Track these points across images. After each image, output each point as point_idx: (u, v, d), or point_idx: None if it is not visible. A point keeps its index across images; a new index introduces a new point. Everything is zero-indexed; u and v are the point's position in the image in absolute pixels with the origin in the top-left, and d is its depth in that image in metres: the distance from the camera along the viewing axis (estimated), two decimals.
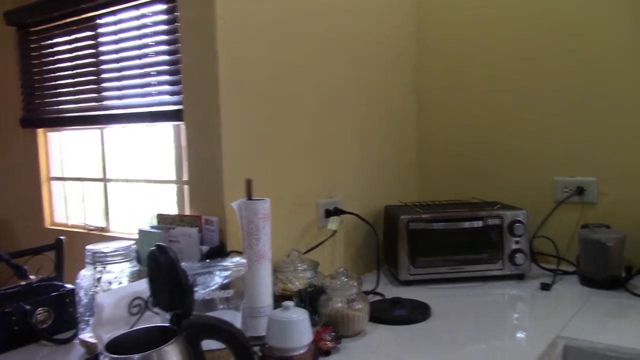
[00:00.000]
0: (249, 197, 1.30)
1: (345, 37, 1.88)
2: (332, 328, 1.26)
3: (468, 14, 2.18)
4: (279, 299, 1.30)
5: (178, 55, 2.52)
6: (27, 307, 1.27)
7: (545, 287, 1.70)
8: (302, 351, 1.13)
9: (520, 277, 1.80)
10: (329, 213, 1.79)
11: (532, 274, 1.83)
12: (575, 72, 1.97)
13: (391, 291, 1.70)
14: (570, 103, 1.99)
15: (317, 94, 1.76)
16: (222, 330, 0.89)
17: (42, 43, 3.17)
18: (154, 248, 0.90)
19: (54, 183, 3.29)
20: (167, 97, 2.62)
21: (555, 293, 1.66)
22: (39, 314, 1.29)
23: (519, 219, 1.78)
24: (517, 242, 1.78)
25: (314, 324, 1.24)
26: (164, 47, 2.62)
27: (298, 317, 1.14)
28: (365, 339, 1.32)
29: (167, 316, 0.90)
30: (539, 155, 2.06)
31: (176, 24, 2.48)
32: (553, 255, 1.96)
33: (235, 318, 1.17)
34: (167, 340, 0.84)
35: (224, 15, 1.42)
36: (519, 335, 1.34)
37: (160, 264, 0.88)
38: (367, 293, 1.62)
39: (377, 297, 1.64)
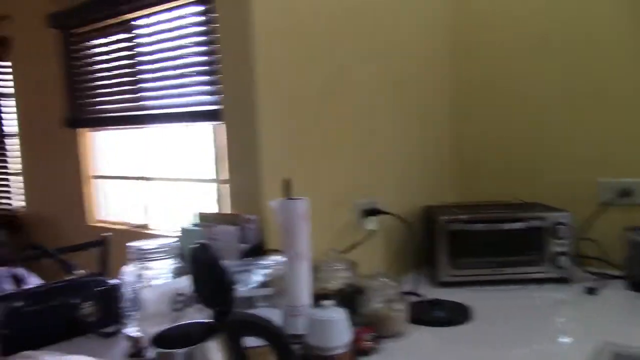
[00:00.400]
0: (288, 196, 1.31)
1: (381, 34, 1.87)
2: (371, 328, 1.25)
3: (510, 1, 2.13)
4: (318, 298, 1.30)
5: (215, 55, 2.55)
6: (74, 301, 1.30)
7: (591, 291, 1.65)
8: (341, 350, 1.13)
9: (563, 280, 1.76)
10: (366, 213, 1.78)
11: (576, 277, 1.78)
12: (623, 71, 1.91)
13: (430, 292, 1.68)
14: (616, 102, 1.93)
15: (354, 93, 1.76)
16: (263, 328, 0.90)
17: (83, 45, 3.24)
18: (196, 246, 0.92)
19: (96, 181, 3.37)
20: (205, 97, 2.65)
21: (601, 297, 1.61)
22: (86, 308, 1.32)
23: (562, 221, 1.74)
24: (560, 245, 1.74)
25: (352, 324, 1.23)
26: (202, 48, 2.65)
27: (338, 317, 1.14)
28: (405, 340, 1.31)
29: (209, 313, 0.91)
30: (582, 156, 2.01)
31: (213, 24, 2.51)
32: (597, 258, 1.91)
33: (274, 316, 1.18)
34: (210, 336, 0.85)
35: (261, 14, 1.43)
36: (564, 340, 1.31)
37: (203, 262, 0.90)
38: (405, 294, 1.61)
39: (416, 298, 1.62)
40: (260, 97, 1.43)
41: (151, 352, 0.82)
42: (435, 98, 2.18)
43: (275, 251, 1.41)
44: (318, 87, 1.62)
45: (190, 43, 2.70)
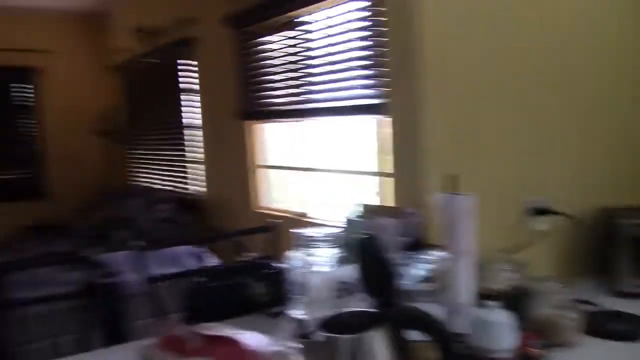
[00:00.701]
0: (453, 191, 1.28)
1: (556, 22, 1.74)
2: (539, 335, 1.18)
3: None
4: (482, 298, 1.26)
5: (381, 49, 2.57)
6: (246, 281, 1.41)
7: None
8: (505, 354, 1.08)
9: None
10: (536, 212, 1.68)
11: None
12: None
13: (607, 302, 1.54)
14: None
15: (525, 87, 1.66)
16: (427, 322, 0.89)
17: (255, 42, 3.47)
18: (363, 236, 0.94)
19: (262, 171, 3.60)
20: (368, 91, 2.69)
21: None
22: (257, 288, 1.41)
23: None
24: None
25: (518, 328, 1.17)
26: (366, 42, 2.69)
27: (503, 319, 1.09)
28: (577, 351, 1.21)
29: (373, 303, 0.93)
30: None
31: (378, 17, 2.53)
32: None
33: (435, 312, 1.16)
34: (373, 325, 0.86)
35: (430, 4, 1.41)
36: None
37: (369, 253, 0.91)
38: (578, 302, 1.49)
39: (591, 308, 1.49)
40: (427, 91, 1.41)
41: (318, 335, 0.85)
42: (615, 89, 1.98)
43: (437, 247, 1.39)
44: (489, 81, 1.55)
45: (356, 37, 2.75)
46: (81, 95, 5.78)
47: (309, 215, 3.23)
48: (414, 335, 0.94)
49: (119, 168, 5.70)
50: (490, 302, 1.14)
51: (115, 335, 1.48)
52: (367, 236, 0.91)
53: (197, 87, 4.22)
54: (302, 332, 1.17)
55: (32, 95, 5.60)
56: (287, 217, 3.30)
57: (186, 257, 2.12)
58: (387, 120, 2.61)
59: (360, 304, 1.13)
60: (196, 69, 4.19)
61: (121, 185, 5.58)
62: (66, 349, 1.51)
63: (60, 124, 5.66)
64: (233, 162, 3.75)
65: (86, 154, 5.75)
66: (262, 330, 1.16)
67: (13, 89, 5.51)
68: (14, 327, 1.52)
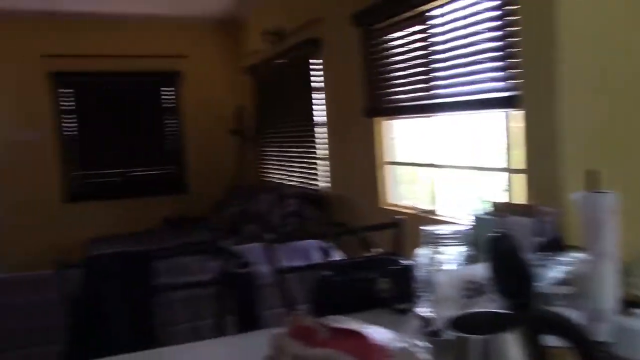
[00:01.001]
0: (594, 189, 1.19)
1: None
2: None
3: None
4: (627, 305, 1.16)
5: (510, 40, 2.45)
6: (372, 276, 1.42)
7: None
8: None
9: None
10: None
11: None
12: None
13: None
14: None
15: None
16: (567, 328, 0.84)
17: (380, 39, 3.47)
18: (495, 234, 0.90)
19: (389, 167, 3.60)
20: (497, 84, 2.58)
21: None
22: (382, 284, 1.42)
23: None
24: None
25: None
26: (496, 33, 2.58)
27: None
28: None
29: (505, 304, 0.89)
30: None
31: (511, 6, 2.41)
32: None
33: (573, 317, 1.09)
34: (506, 327, 0.83)
35: None
36: None
37: (502, 252, 0.88)
38: None
39: None
40: (566, 81, 1.33)
41: (447, 334, 0.84)
42: None
43: (576, 248, 1.30)
44: (634, 69, 1.42)
45: (485, 29, 2.65)
46: (217, 96, 6.17)
47: (436, 212, 3.17)
48: (551, 340, 0.89)
49: (251, 165, 6.01)
50: (637, 310, 1.04)
51: (248, 322, 1.56)
52: (499, 234, 0.88)
53: (322, 85, 4.31)
54: (429, 330, 1.16)
55: (174, 97, 6.09)
56: (413, 214, 3.27)
57: (314, 251, 2.19)
58: (518, 114, 2.49)
59: (490, 305, 1.09)
60: (321, 67, 4.29)
61: (253, 181, 5.88)
62: (204, 333, 1.63)
63: (198, 123, 6.09)
64: (359, 159, 3.79)
65: (221, 151, 6.13)
66: (388, 326, 1.17)
67: (163, 92, 6.05)
68: (159, 310, 1.66)
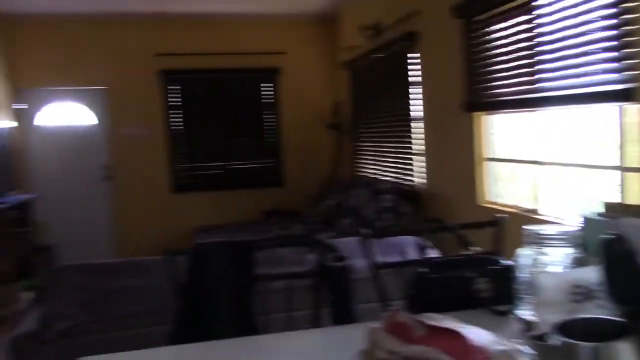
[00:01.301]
0: None
1: None
2: None
3: None
4: None
5: (626, 28, 2.28)
6: (471, 275, 1.38)
7: None
8: None
9: None
10: None
11: None
12: None
13: None
14: None
15: None
16: None
17: (482, 31, 3.35)
18: (609, 237, 0.85)
19: (488, 164, 3.48)
20: (610, 76, 2.41)
21: None
22: (480, 283, 1.38)
23: None
24: None
25: None
26: (610, 22, 2.40)
27: None
28: None
29: (619, 310, 0.83)
30: None
31: None
32: None
33: None
34: (620, 335, 0.77)
35: None
36: None
37: (616, 255, 0.82)
38: None
39: None
40: None
41: (553, 339, 0.80)
42: None
43: None
44: None
45: (597, 17, 2.48)
46: (314, 92, 6.27)
47: (538, 211, 3.02)
48: None
49: (346, 159, 6.05)
50: None
51: (343, 316, 1.58)
52: (614, 237, 0.82)
53: (419, 79, 4.25)
54: (532, 334, 1.11)
55: (273, 92, 6.26)
56: (513, 212, 3.14)
57: (410, 247, 2.17)
58: (634, 108, 2.31)
59: (600, 311, 1.03)
60: (418, 61, 4.22)
61: (348, 176, 5.92)
62: (299, 324, 1.66)
63: (295, 118, 6.22)
64: (457, 155, 3.70)
65: (317, 146, 6.23)
66: (486, 328, 1.13)
67: (262, 88, 6.26)
68: (258, 298, 1.72)
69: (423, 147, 4.25)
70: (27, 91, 5.67)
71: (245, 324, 1.65)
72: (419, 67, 4.24)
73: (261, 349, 1.36)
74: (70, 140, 5.82)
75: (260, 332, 1.67)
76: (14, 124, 5.49)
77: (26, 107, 5.65)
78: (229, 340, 1.39)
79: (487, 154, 3.48)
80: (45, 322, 2.41)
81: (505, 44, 3.16)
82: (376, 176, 5.23)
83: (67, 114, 5.85)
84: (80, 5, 5.25)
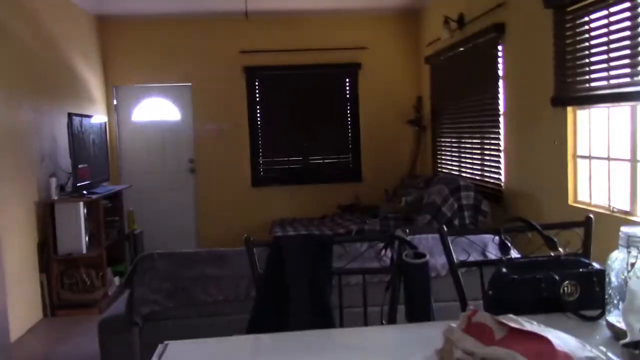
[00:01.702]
0: None
1: None
2: None
3: None
4: None
5: None
6: (556, 277, 1.31)
7: None
8: None
9: None
10: None
11: None
12: None
13: None
14: None
15: None
16: None
17: (577, 22, 3.17)
18: None
19: (580, 161, 3.29)
20: None
21: None
22: (567, 286, 1.31)
23: None
24: None
25: None
26: None
27: None
28: None
29: None
30: None
31: None
32: None
33: None
34: None
35: None
36: None
37: None
38: None
39: None
40: None
41: None
42: None
43: None
44: None
45: None
46: (394, 86, 6.20)
47: (636, 212, 2.82)
48: None
49: (426, 155, 5.95)
50: None
51: (419, 313, 1.55)
52: None
53: (502, 73, 4.09)
54: (624, 342, 1.04)
55: (354, 88, 6.25)
56: (606, 213, 2.96)
57: (491, 246, 2.09)
58: None
59: None
60: (502, 55, 4.06)
61: (427, 172, 5.81)
62: (375, 319, 1.65)
63: (375, 113, 6.19)
64: (543, 152, 3.53)
65: (396, 141, 6.17)
66: (572, 333, 1.07)
67: (344, 84, 6.28)
68: (335, 292, 1.72)
69: (503, 144, 4.10)
70: (120, 88, 6.02)
71: (322, 317, 1.66)
72: (501, 60, 4.08)
73: (336, 343, 1.37)
74: (157, 134, 6.13)
75: (336, 326, 1.67)
76: (108, 118, 5.84)
77: (115, 103, 6.02)
78: (305, 332, 1.40)
79: (580, 151, 3.29)
80: (131, 306, 2.54)
81: (602, 34, 2.98)
82: (457, 173, 5.10)
83: (155, 109, 6.15)
84: (169, 6, 5.49)
